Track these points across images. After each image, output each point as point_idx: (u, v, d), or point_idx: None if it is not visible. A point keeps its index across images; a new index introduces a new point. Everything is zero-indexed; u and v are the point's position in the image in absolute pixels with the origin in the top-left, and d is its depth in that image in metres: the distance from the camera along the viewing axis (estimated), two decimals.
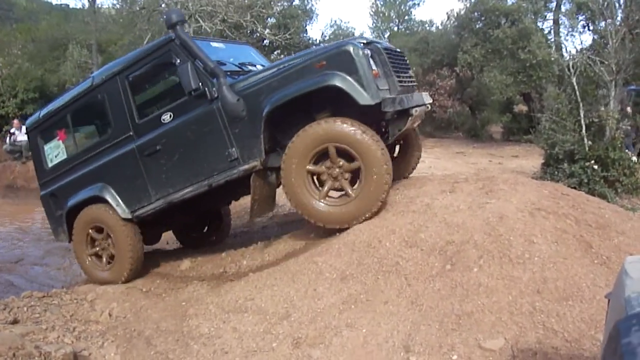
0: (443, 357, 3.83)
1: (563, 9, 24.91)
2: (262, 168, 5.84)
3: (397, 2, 40.22)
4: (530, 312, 4.01)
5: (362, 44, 5.43)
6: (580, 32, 22.95)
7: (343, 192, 5.64)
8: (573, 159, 11.05)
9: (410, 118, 5.70)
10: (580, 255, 4.68)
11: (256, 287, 5.35)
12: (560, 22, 24.09)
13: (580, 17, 21.71)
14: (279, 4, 26.67)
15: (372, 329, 4.25)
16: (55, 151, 7.32)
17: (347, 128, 5.29)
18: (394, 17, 40.42)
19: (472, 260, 4.53)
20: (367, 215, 5.40)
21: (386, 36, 37.51)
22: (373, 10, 40.70)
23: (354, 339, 4.21)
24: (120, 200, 6.63)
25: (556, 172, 11.13)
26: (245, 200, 6.88)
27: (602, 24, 20.28)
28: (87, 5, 28.45)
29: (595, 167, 10.68)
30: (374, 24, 40.15)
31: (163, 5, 24.28)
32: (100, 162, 6.74)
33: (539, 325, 3.89)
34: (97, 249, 7.06)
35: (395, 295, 4.50)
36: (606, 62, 12.26)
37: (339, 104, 5.46)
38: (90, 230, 6.99)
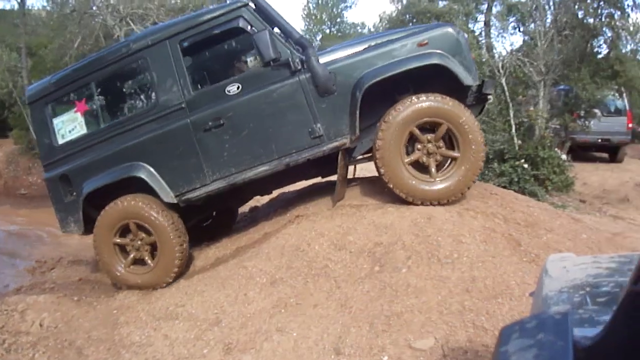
0: (373, 359, 3.79)
1: (494, 10, 25.49)
2: (350, 146, 5.52)
3: (329, 5, 40.38)
4: (460, 311, 4.01)
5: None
6: (510, 34, 23.61)
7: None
8: (503, 158, 11.27)
9: (485, 104, 5.76)
10: (509, 253, 4.71)
11: (186, 293, 5.22)
12: (491, 23, 24.70)
13: (511, 19, 22.28)
14: (211, 7, 26.48)
15: (302, 333, 4.18)
16: (70, 125, 6.12)
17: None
18: (326, 19, 40.61)
19: (401, 261, 4.51)
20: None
21: (318, 39, 37.66)
22: (305, 12, 40.82)
23: (284, 343, 4.14)
24: (162, 182, 5.67)
25: (486, 172, 11.29)
26: None
27: (532, 25, 20.88)
28: (16, 7, 27.64)
29: (525, 165, 10.92)
30: (306, 27, 40.18)
31: (94, 8, 23.82)
32: (137, 139, 5.73)
33: (468, 324, 3.89)
34: (129, 247, 5.92)
35: (325, 298, 4.45)
36: (535, 63, 12.55)
37: (422, 85, 5.37)
38: (120, 226, 5.82)
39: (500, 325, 3.82)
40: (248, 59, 6.45)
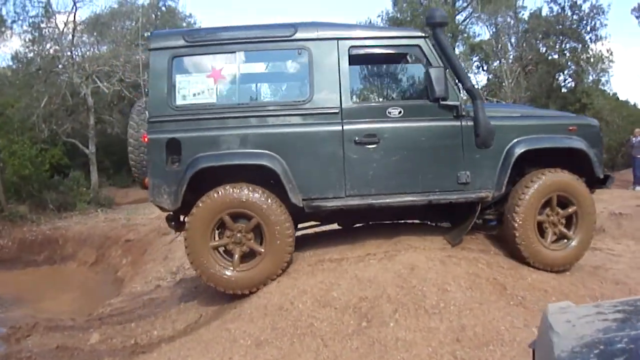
0: None
1: (457, 51, 25.96)
2: (489, 201, 5.60)
3: None
4: None
5: None
6: (475, 73, 23.98)
7: None
8: None
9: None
10: (495, 298, 4.70)
11: (169, 359, 5.04)
12: None
13: (474, 58, 22.71)
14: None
15: None
16: (197, 87, 5.56)
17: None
18: None
19: (388, 315, 4.43)
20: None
21: None
22: None
23: None
24: (294, 182, 5.31)
25: None
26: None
27: (496, 63, 21.30)
28: None
29: None
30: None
31: (60, 67, 23.81)
32: (275, 129, 5.43)
33: None
34: (228, 240, 5.43)
35: (313, 357, 4.32)
36: (504, 102, 12.73)
37: (549, 164, 5.68)
38: (225, 216, 5.34)
39: None
40: (412, 88, 6.47)
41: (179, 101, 5.48)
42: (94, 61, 23.15)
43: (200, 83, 5.57)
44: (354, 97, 5.78)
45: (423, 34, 5.64)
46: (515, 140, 5.53)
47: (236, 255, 5.36)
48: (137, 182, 5.99)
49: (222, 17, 59.64)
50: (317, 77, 5.46)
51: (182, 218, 5.80)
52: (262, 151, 5.32)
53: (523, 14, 20.86)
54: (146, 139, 5.47)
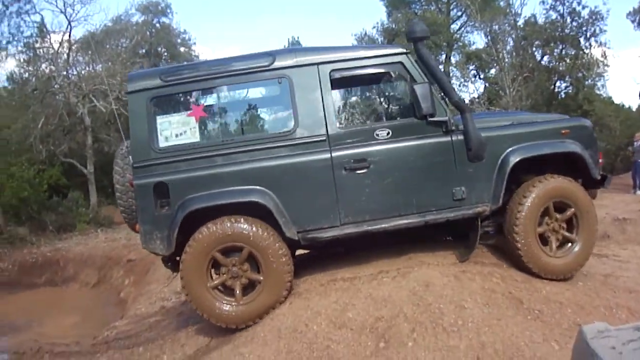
0: None
1: (453, 60, 26.02)
2: (488, 214, 5.53)
3: None
4: None
5: None
6: (472, 81, 23.98)
7: None
8: None
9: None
10: (512, 313, 4.63)
11: None
12: (451, 74, 25.09)
13: (471, 67, 22.72)
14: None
15: None
16: (179, 128, 5.44)
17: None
18: None
19: (405, 335, 4.35)
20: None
21: None
22: None
23: None
24: (287, 215, 5.23)
25: None
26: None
27: (493, 71, 21.31)
28: None
29: None
30: None
31: (56, 86, 23.80)
32: (262, 162, 5.29)
33: None
34: (225, 276, 5.30)
35: None
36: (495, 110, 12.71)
37: (545, 170, 5.64)
38: (216, 253, 5.23)
39: None
40: (399, 107, 6.39)
41: (162, 143, 5.38)
42: (90, 80, 23.14)
43: (182, 123, 5.46)
44: (340, 122, 5.67)
45: (404, 50, 5.55)
46: (509, 149, 5.47)
47: (237, 290, 5.26)
48: (129, 227, 5.87)
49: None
50: (300, 105, 5.37)
51: (178, 258, 5.63)
52: (252, 187, 5.23)
53: (518, 21, 20.96)
54: (132, 185, 5.38)
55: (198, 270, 5.17)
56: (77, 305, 14.93)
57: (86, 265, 17.65)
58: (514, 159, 5.40)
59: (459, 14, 30.15)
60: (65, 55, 24.26)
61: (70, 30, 23.90)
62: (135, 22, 27.75)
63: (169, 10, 30.39)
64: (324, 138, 5.32)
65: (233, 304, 5.22)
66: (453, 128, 5.39)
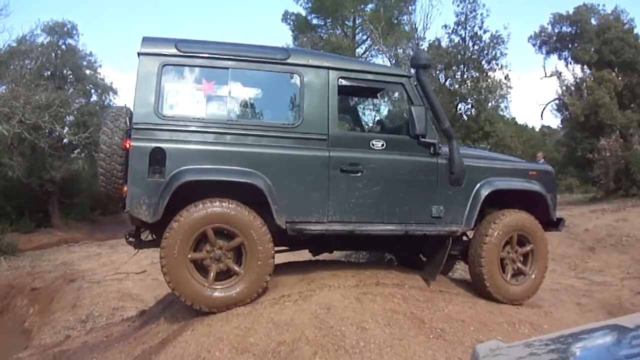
0: None
1: None
2: (459, 235, 6.06)
3: None
4: None
5: None
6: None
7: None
8: None
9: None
10: (414, 333, 4.67)
11: None
12: None
13: None
14: (77, 102, 25.93)
15: None
16: (187, 100, 5.54)
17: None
18: None
19: (308, 358, 4.28)
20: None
21: None
22: None
23: None
24: (278, 203, 5.25)
25: None
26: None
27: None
28: None
29: None
30: None
31: None
32: (263, 149, 5.37)
33: None
34: (206, 255, 5.19)
35: None
36: None
37: (507, 204, 6.17)
38: (209, 229, 5.13)
39: None
40: (395, 123, 6.67)
41: (166, 111, 5.36)
42: None
43: (190, 94, 5.60)
44: (341, 126, 6.08)
45: (407, 74, 6.07)
46: (485, 180, 6.01)
47: (212, 272, 5.16)
48: (102, 193, 5.61)
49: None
50: (308, 103, 5.57)
51: (142, 236, 5.86)
52: (250, 170, 5.25)
53: (422, 45, 21.50)
54: (128, 146, 5.18)
55: (185, 238, 5.05)
56: None
57: None
58: (489, 189, 5.96)
59: (364, 37, 30.94)
60: None
61: None
62: (41, 43, 26.77)
63: (74, 32, 29.49)
64: (325, 138, 5.54)
65: (205, 285, 5.14)
66: (439, 152, 5.82)
